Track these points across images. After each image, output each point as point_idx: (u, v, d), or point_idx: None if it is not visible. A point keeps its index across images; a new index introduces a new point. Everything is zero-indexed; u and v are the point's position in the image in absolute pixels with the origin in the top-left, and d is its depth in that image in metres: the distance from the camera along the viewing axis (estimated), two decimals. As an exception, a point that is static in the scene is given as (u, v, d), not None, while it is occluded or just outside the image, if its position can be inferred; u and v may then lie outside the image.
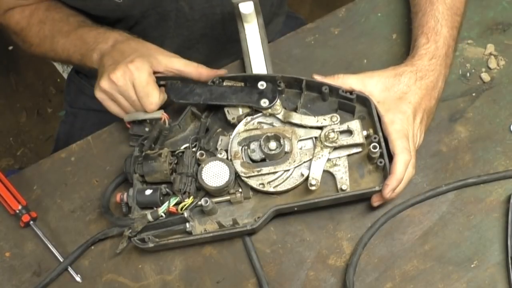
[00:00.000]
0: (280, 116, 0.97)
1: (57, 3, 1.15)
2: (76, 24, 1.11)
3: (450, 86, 1.05)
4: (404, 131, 0.92)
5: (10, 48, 2.38)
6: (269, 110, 0.97)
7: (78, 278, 0.99)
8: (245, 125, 0.98)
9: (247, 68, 1.04)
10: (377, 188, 0.92)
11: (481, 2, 1.11)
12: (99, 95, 1.01)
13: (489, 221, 0.96)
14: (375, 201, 0.94)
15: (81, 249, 1.00)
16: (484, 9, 1.11)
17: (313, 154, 0.94)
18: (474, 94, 1.05)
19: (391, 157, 0.92)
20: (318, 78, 0.98)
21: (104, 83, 0.98)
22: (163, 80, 1.00)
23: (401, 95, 0.94)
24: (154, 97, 0.97)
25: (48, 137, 2.23)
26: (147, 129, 1.00)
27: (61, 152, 1.10)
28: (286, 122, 0.97)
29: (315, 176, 0.93)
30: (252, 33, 1.05)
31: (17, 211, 1.02)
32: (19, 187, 1.05)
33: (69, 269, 1.00)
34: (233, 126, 0.99)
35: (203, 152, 0.96)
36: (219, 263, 0.99)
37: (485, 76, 1.05)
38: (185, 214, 0.93)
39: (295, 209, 0.95)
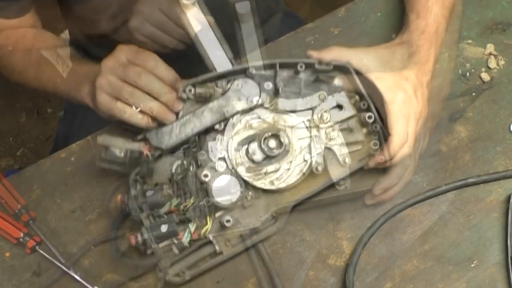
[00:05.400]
0: (267, 105, 0.95)
1: (45, 33, 1.13)
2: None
3: (450, 86, 1.05)
4: (403, 112, 0.90)
5: (10, 49, 2.37)
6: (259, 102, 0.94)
7: (77, 277, 0.99)
8: (233, 127, 0.95)
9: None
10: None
11: (481, 2, 1.11)
12: (100, 99, 0.93)
13: (489, 221, 0.96)
14: (368, 199, 0.94)
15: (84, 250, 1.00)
16: (483, 9, 1.11)
17: (309, 140, 0.93)
18: (474, 94, 1.05)
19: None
20: (313, 53, 0.94)
21: (101, 79, 0.92)
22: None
23: (398, 71, 0.93)
24: (161, 65, 0.91)
25: (48, 137, 2.23)
26: (118, 154, 0.91)
27: (61, 152, 1.10)
28: (275, 111, 0.95)
29: (318, 159, 0.92)
30: (249, 32, 1.05)
31: (17, 211, 1.02)
32: (18, 187, 1.05)
33: (70, 271, 1.00)
34: (218, 131, 0.95)
35: (207, 173, 0.92)
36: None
37: (485, 76, 1.05)
38: (210, 237, 0.91)
39: (312, 199, 0.94)
